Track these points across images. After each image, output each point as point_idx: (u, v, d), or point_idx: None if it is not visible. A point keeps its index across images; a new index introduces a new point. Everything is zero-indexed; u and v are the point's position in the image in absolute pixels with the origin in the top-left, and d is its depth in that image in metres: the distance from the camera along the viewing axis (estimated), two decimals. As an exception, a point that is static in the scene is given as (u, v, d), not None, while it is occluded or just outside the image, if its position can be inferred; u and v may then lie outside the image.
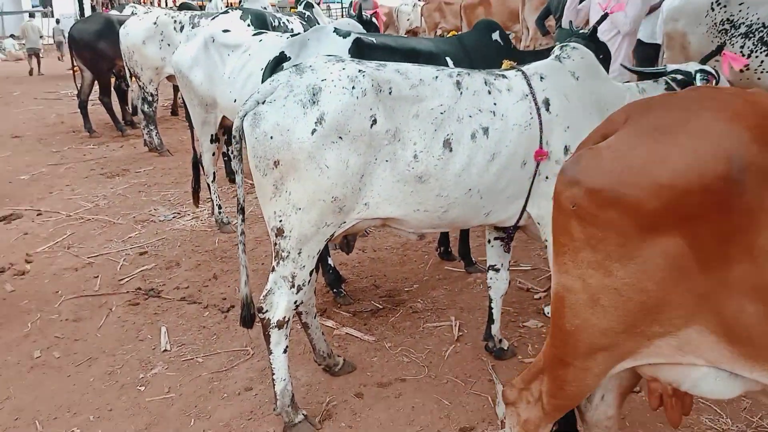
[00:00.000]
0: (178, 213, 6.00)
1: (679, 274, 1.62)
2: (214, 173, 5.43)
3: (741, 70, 4.96)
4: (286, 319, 2.79)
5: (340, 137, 2.58)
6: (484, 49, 4.04)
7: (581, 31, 4.58)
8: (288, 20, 7.35)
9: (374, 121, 2.61)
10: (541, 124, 2.83)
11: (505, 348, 3.39)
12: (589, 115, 2.90)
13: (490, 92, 2.82)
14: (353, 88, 2.60)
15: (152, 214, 5.98)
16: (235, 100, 4.71)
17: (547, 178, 2.88)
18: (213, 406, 3.10)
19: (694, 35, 5.71)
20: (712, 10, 5.59)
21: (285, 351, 2.82)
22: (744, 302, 1.56)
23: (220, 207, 5.50)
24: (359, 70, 2.65)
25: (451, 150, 2.71)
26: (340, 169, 2.60)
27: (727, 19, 5.55)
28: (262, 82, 3.68)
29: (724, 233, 1.55)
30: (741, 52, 5.36)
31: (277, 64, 3.65)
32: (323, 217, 2.67)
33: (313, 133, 2.55)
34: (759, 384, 1.69)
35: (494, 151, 2.76)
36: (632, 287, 1.67)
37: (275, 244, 2.73)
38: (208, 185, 5.46)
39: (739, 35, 5.49)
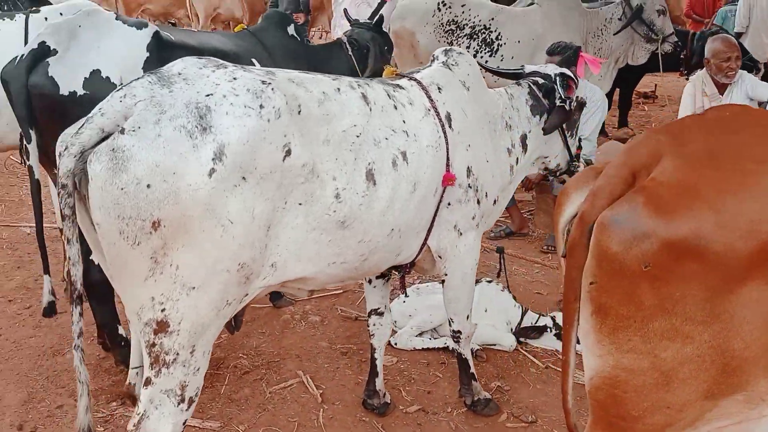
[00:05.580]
0: None
1: (765, 322, 1.44)
2: None
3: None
4: (171, 449, 1.89)
5: (244, 177, 1.80)
6: (284, 46, 3.44)
7: (363, 21, 4.26)
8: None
9: (288, 152, 1.89)
10: (447, 143, 2.41)
11: (389, 402, 2.89)
12: (480, 130, 2.60)
13: (396, 107, 2.29)
14: (261, 107, 1.83)
15: None
16: None
17: (449, 204, 2.49)
18: None
19: (422, 34, 5.84)
20: (439, 10, 5.78)
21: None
22: None
23: None
24: (262, 81, 1.88)
25: (375, 183, 2.12)
26: (245, 222, 1.83)
27: (452, 20, 5.80)
28: (12, 85, 2.52)
29: None
30: (468, 53, 5.65)
31: (36, 60, 2.47)
32: (226, 293, 1.87)
33: (211, 174, 1.73)
34: None
35: (415, 179, 2.26)
36: (717, 350, 1.43)
37: (152, 344, 1.81)
38: None
39: (464, 36, 5.79)
